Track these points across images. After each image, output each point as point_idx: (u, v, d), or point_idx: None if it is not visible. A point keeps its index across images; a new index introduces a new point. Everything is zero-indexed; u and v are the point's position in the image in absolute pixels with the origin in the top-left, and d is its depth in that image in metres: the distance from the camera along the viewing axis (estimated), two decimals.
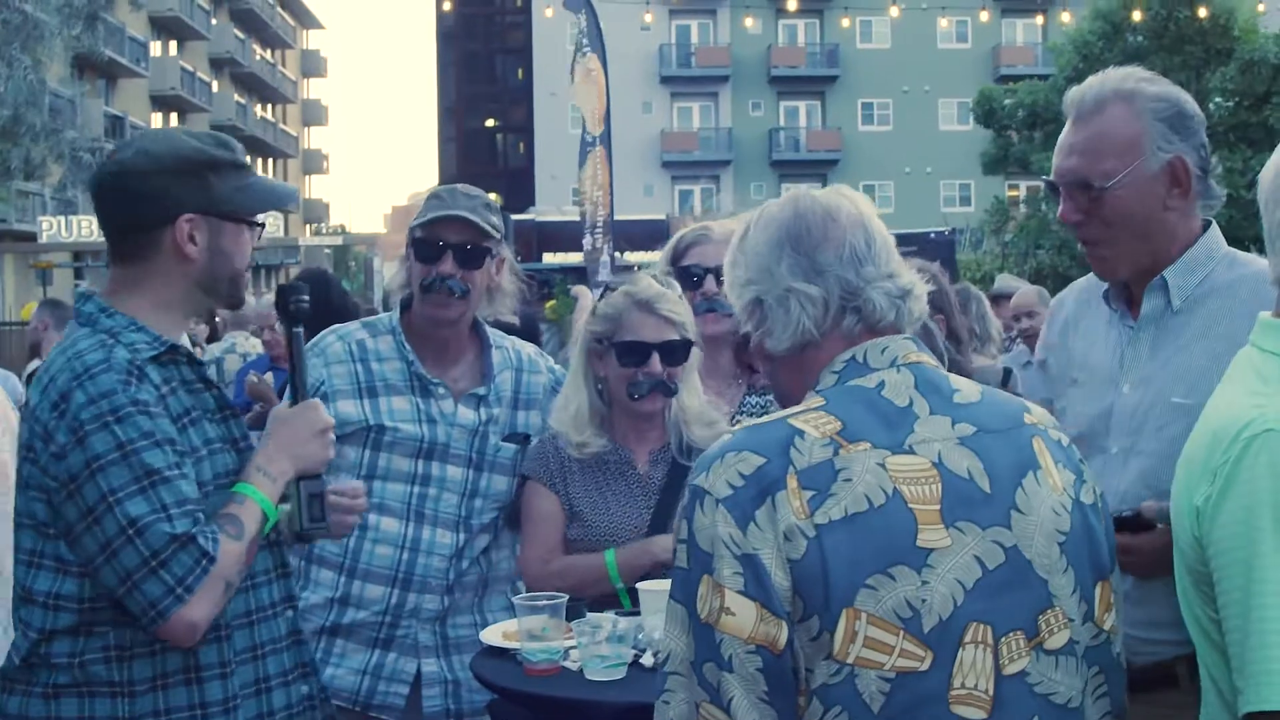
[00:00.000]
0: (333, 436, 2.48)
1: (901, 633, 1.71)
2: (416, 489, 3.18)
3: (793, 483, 1.72)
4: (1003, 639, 1.77)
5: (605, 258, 13.25)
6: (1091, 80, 2.56)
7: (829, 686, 1.70)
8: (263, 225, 2.52)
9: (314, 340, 3.26)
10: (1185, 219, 2.50)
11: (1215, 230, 2.54)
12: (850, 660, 1.70)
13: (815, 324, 1.90)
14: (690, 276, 3.48)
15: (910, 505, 1.75)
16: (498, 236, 3.22)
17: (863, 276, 1.91)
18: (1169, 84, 2.55)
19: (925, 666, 1.71)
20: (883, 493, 1.74)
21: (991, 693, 1.75)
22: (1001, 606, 1.77)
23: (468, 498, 3.22)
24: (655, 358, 3.13)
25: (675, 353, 3.16)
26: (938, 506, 1.76)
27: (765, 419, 1.84)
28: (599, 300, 3.29)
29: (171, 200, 2.35)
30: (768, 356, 1.98)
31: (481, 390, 3.26)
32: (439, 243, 3.17)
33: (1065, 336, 2.72)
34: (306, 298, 2.55)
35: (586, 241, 13.78)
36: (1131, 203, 2.46)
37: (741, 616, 1.69)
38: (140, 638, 2.24)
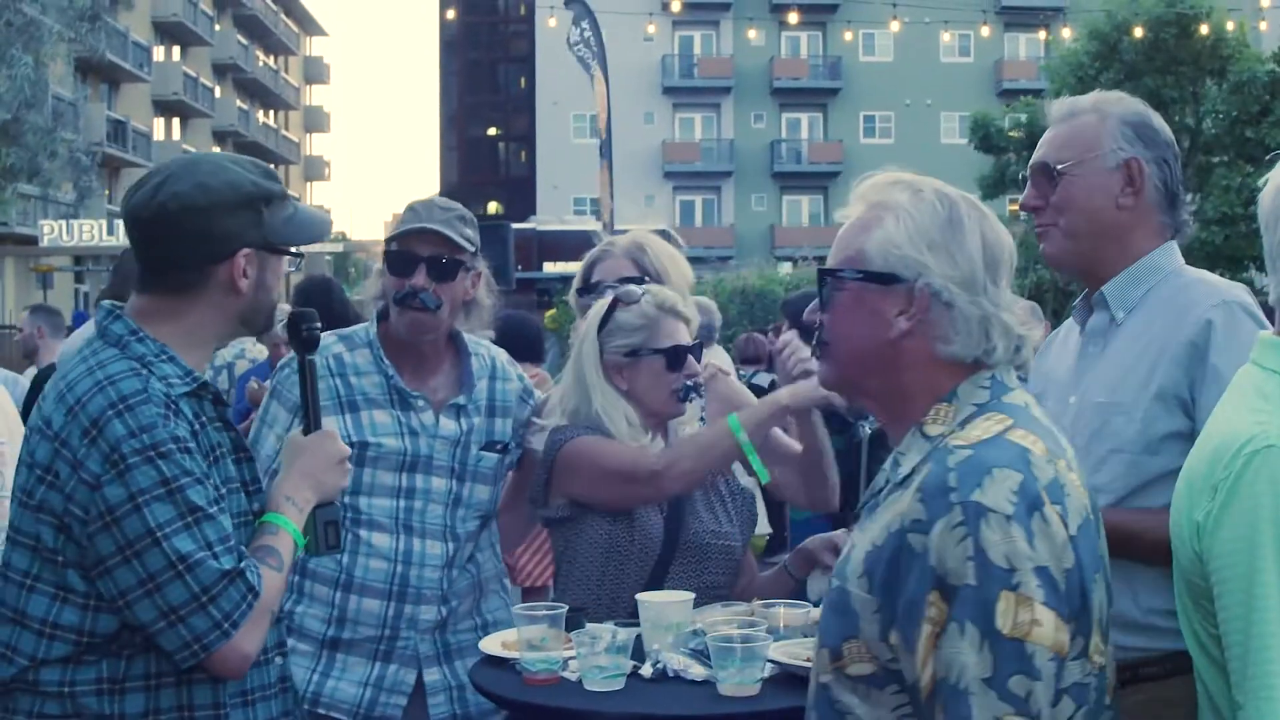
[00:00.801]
0: (349, 466, 2.49)
1: (1099, 634, 1.83)
2: (403, 502, 3.17)
3: (1046, 497, 1.79)
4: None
5: None
6: (1078, 97, 2.75)
7: (1080, 685, 1.79)
8: (303, 256, 2.49)
9: (289, 356, 3.21)
10: (1141, 229, 2.61)
11: (1170, 248, 2.65)
12: (1093, 660, 1.81)
13: (1004, 352, 1.93)
14: (593, 294, 3.53)
15: (1090, 517, 1.86)
16: (472, 250, 3.22)
17: (1019, 321, 1.95)
18: (1145, 106, 2.71)
19: (1105, 661, 1.86)
20: (1084, 506, 1.85)
21: (1114, 681, 1.91)
22: (1110, 603, 1.90)
23: (452, 508, 3.22)
24: (691, 358, 3.23)
25: (698, 352, 3.27)
26: (1094, 517, 1.89)
27: (982, 435, 1.85)
28: (603, 315, 3.27)
29: (231, 236, 2.32)
30: (906, 350, 1.93)
31: (461, 400, 3.25)
32: (412, 255, 3.17)
33: (1046, 356, 2.83)
34: (319, 325, 2.56)
35: None
36: (1083, 191, 2.60)
37: (1047, 626, 1.74)
38: (135, 670, 2.20)
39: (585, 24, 15.12)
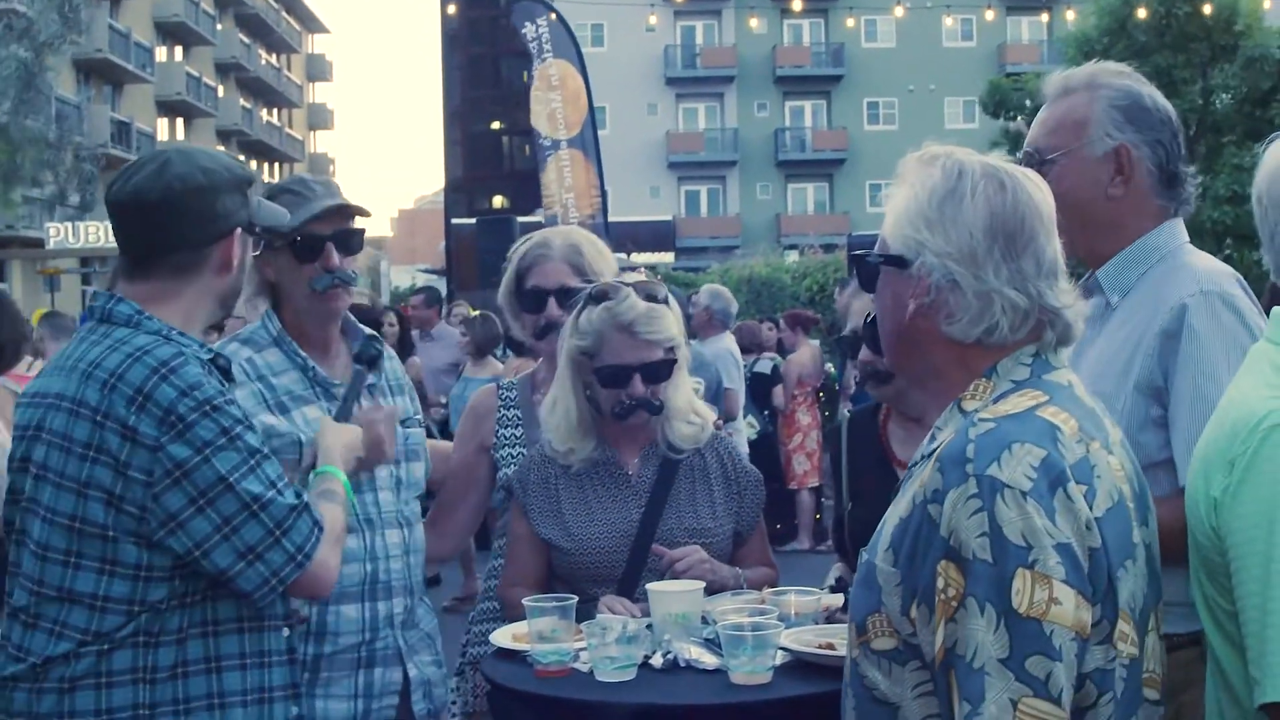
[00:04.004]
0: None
1: (1132, 622, 1.81)
2: (356, 497, 3.02)
3: (1071, 475, 1.76)
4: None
5: None
6: (1074, 70, 2.67)
7: (1104, 671, 1.77)
8: (264, 239, 2.68)
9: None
10: (1136, 214, 2.55)
11: (1171, 227, 2.58)
12: (1118, 647, 1.79)
13: (1011, 329, 1.89)
14: (532, 301, 3.45)
15: (1127, 503, 1.84)
16: (368, 213, 3.14)
17: (1057, 294, 1.90)
18: (1140, 79, 2.61)
19: (1138, 652, 1.83)
20: (1117, 490, 1.82)
21: (1161, 674, 1.90)
22: (1154, 596, 1.89)
23: (397, 492, 3.13)
24: (637, 379, 3.10)
25: (658, 372, 3.12)
26: (1134, 505, 1.86)
27: (1010, 409, 1.83)
28: (578, 309, 3.19)
29: (229, 215, 2.45)
30: (923, 331, 1.92)
31: (373, 380, 3.14)
32: (320, 237, 3.01)
33: None
34: (381, 347, 3.05)
35: None
36: (1071, 181, 2.52)
37: (1066, 605, 1.71)
38: (170, 625, 2.30)
39: (540, 20, 15.04)
